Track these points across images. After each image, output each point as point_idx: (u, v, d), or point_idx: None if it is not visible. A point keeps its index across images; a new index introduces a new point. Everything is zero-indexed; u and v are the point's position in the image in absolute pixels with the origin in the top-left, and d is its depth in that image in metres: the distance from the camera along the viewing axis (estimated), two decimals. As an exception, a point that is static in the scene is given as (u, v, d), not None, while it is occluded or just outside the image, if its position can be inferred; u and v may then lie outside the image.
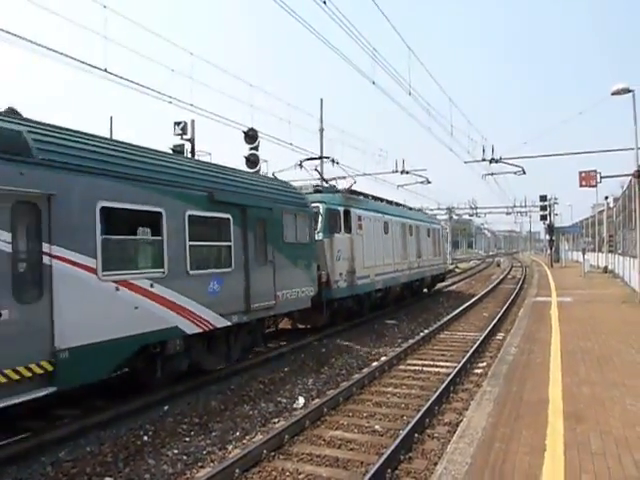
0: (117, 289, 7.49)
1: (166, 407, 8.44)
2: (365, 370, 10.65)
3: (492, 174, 32.18)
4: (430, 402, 7.96)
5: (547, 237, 52.52)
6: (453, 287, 31.27)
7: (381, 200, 20.81)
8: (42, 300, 6.46)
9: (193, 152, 15.66)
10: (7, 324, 6.01)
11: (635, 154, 17.30)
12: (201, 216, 9.32)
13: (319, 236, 14.27)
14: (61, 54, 10.44)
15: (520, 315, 15.05)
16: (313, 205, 14.00)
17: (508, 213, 60.75)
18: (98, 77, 11.43)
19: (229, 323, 9.85)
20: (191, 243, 8.96)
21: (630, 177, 18.40)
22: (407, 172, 31.81)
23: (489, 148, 27.16)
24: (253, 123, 18.36)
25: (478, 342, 12.63)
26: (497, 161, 27.14)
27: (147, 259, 8.50)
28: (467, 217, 62.89)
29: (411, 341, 13.50)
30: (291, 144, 20.83)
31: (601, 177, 21.98)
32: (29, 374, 6.22)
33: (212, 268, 9.63)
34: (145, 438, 7.28)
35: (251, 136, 18.25)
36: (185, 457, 6.67)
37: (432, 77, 20.94)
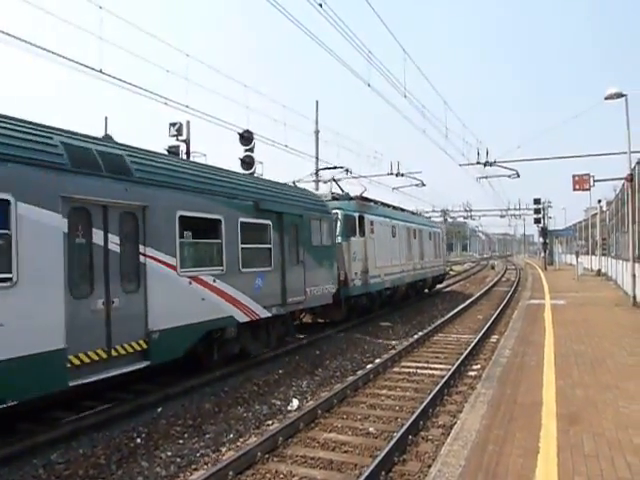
0: (190, 283, 9.13)
1: (159, 409, 8.41)
2: (359, 372, 10.65)
3: (486, 177, 32.33)
4: (424, 404, 7.96)
5: (541, 240, 52.82)
6: (448, 289, 31.34)
7: (389, 206, 22.20)
8: (139, 291, 8.13)
9: (188, 153, 15.64)
10: (117, 310, 7.66)
11: (628, 158, 17.42)
12: (249, 222, 10.92)
13: (338, 239, 15.76)
14: (55, 54, 10.39)
15: (514, 317, 15.10)
16: (332, 211, 15.49)
17: (502, 216, 60.88)
18: (93, 77, 11.40)
19: (270, 314, 11.50)
20: (242, 245, 10.56)
21: (623, 181, 18.52)
22: (402, 174, 31.90)
23: (484, 151, 27.31)
24: (248, 125, 18.32)
25: (472, 344, 12.65)
26: (491, 164, 27.27)
27: (211, 258, 9.97)
28: (462, 220, 62.97)
29: (405, 343, 13.51)
30: (286, 146, 20.85)
31: (594, 181, 22.15)
32: (131, 350, 7.91)
33: (257, 267, 11.15)
34: (138, 440, 7.24)
35: (246, 138, 18.22)
36: (179, 459, 6.64)
37: (427, 79, 21.07)
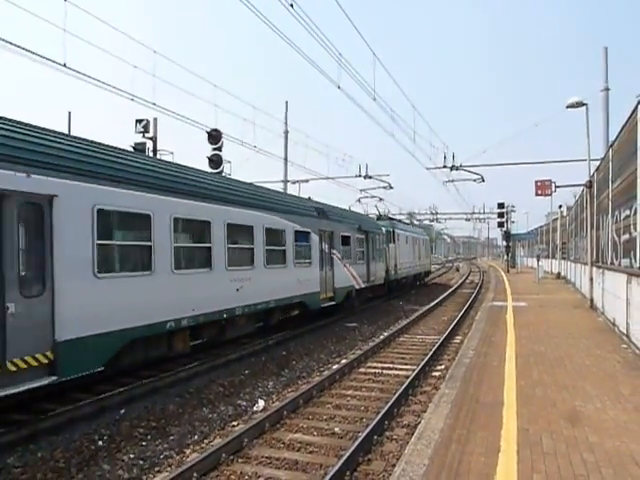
0: (344, 266, 18.83)
1: (122, 411, 8.26)
2: (325, 373, 10.68)
3: (452, 181, 32.93)
4: (389, 405, 8.05)
5: (504, 243, 54.00)
6: (412, 291, 31.71)
7: (404, 222, 36.55)
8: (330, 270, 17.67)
9: (155, 151, 15.40)
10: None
11: (587, 165, 18.01)
12: (357, 237, 20.74)
13: (384, 245, 25.26)
14: (17, 46, 10.08)
15: (477, 319, 15.39)
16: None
17: (467, 219, 62.15)
18: (57, 71, 11.10)
19: (364, 285, 21.27)
20: (356, 249, 20.47)
21: (582, 187, 19.12)
22: (370, 177, 32.14)
23: (450, 155, 27.79)
24: (217, 124, 18.18)
25: (437, 345, 12.86)
26: (457, 168, 27.77)
27: (350, 256, 19.71)
28: (428, 222, 63.82)
29: (371, 344, 13.63)
30: (255, 146, 20.77)
31: (556, 187, 22.73)
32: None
33: (359, 261, 20.89)
34: (100, 443, 7.09)
35: (214, 136, 18.07)
36: (141, 462, 6.54)
37: (396, 84, 21.26)
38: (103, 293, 8.07)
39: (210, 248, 10.85)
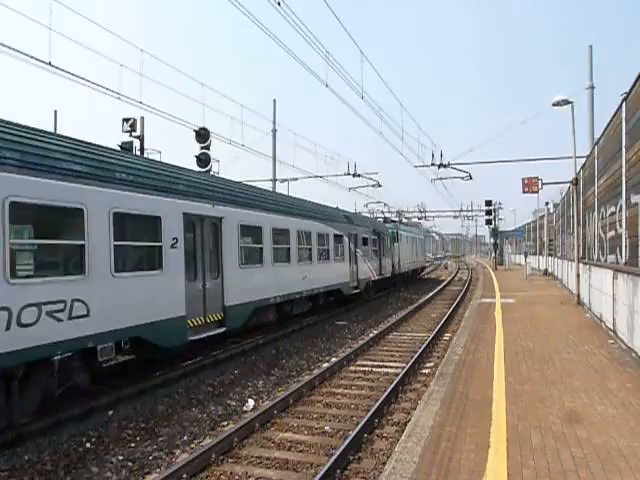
0: (364, 262, 22.84)
1: (111, 412, 8.19)
2: (315, 371, 10.67)
3: (441, 179, 33.08)
4: (379, 402, 8.06)
5: (492, 241, 54.35)
6: (402, 288, 31.80)
7: (405, 224, 40.63)
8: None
9: (142, 150, 15.27)
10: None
11: (574, 162, 18.15)
12: (372, 238, 24.61)
13: (391, 244, 29.19)
14: (3, 45, 9.94)
15: (466, 316, 15.48)
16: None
17: (455, 217, 62.16)
18: (42, 70, 10.95)
19: (378, 278, 25.27)
20: (371, 248, 24.32)
21: (569, 184, 19.28)
22: (359, 175, 32.21)
23: (438, 153, 27.90)
24: (205, 122, 18.11)
25: (426, 343, 12.90)
26: (445, 166, 27.90)
27: (368, 253, 23.63)
28: (416, 220, 63.95)
29: (361, 342, 13.64)
30: (243, 145, 20.69)
31: (542, 184, 22.90)
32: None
33: (375, 257, 25.02)
34: (88, 445, 7.02)
35: (202, 135, 17.98)
36: (130, 463, 6.48)
37: (384, 82, 21.30)
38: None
39: (289, 249, 15.25)
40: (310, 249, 16.69)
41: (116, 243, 8.41)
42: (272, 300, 13.89)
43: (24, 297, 6.77)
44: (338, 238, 19.73)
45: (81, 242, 7.81)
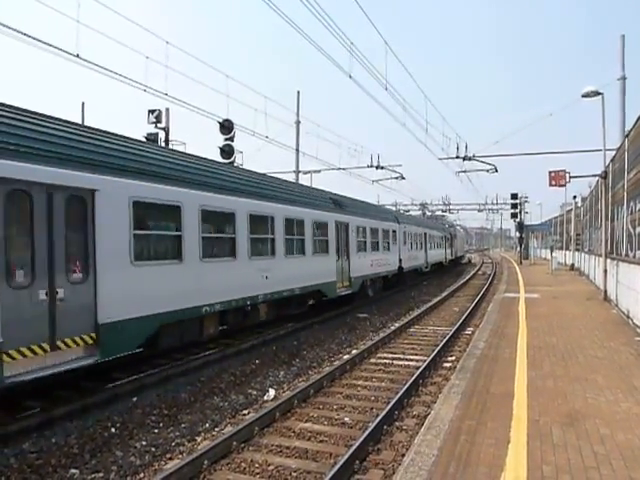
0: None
1: (135, 398, 8.36)
2: (336, 363, 10.72)
3: (465, 171, 32.66)
4: (399, 395, 8.06)
5: (517, 235, 53.52)
6: (425, 282, 31.63)
7: (436, 222, 44.21)
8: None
9: (167, 141, 15.46)
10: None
11: (603, 155, 17.74)
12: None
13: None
14: (32, 38, 10.13)
15: (489, 310, 15.32)
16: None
17: (480, 210, 61.50)
18: (72, 62, 11.14)
19: (451, 258, 41.52)
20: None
21: (597, 178, 18.87)
22: (382, 167, 32.02)
23: (463, 146, 27.55)
24: (229, 114, 18.20)
25: (448, 336, 12.83)
26: (470, 159, 27.53)
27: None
28: (440, 213, 63.39)
29: (382, 334, 13.63)
30: (267, 137, 20.74)
31: (570, 177, 22.43)
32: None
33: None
34: (113, 430, 7.20)
35: (226, 127, 18.09)
36: (153, 449, 6.63)
37: (408, 73, 21.07)
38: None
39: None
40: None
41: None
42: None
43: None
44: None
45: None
